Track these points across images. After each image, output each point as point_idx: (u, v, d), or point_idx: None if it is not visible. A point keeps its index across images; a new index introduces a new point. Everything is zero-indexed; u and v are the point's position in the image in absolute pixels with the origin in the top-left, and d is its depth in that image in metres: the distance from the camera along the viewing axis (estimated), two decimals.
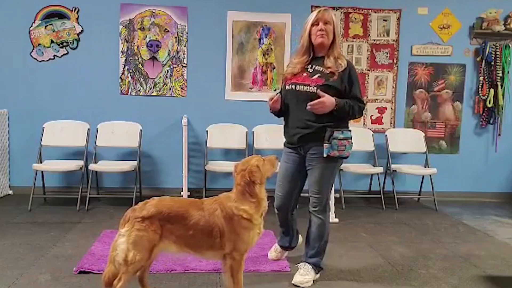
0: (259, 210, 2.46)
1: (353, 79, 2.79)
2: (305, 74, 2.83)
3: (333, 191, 4.31)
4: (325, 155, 2.73)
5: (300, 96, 2.79)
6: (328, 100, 2.66)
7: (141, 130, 4.89)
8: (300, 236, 3.28)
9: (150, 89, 5.12)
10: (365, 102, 2.90)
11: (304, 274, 2.86)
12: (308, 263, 2.91)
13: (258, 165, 2.47)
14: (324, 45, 2.80)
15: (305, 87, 2.78)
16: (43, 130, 4.78)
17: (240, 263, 2.44)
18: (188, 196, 4.65)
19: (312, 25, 2.79)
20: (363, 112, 2.91)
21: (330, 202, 2.98)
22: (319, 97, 2.69)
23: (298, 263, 2.97)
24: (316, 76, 2.78)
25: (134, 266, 2.29)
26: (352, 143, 2.82)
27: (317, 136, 2.75)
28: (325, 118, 2.72)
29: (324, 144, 2.72)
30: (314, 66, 2.83)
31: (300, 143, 2.85)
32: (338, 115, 2.73)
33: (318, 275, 2.94)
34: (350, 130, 2.83)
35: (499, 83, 5.36)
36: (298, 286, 2.83)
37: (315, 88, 2.74)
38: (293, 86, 2.84)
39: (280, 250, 3.27)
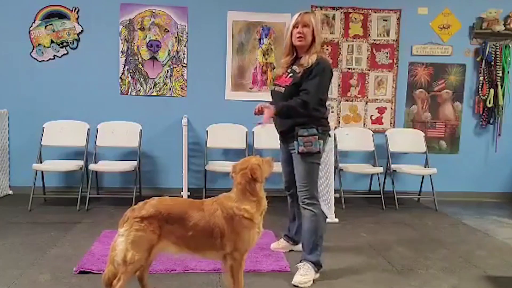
0: (259, 209, 2.47)
1: (314, 73, 2.84)
2: (284, 75, 3.01)
3: (333, 191, 4.33)
4: (296, 152, 2.91)
5: (276, 96, 3.05)
6: (267, 113, 2.80)
7: (141, 130, 4.89)
8: None
9: (150, 89, 5.12)
10: (310, 92, 2.84)
11: (304, 274, 2.88)
12: (307, 261, 2.93)
13: (258, 163, 2.50)
14: (303, 47, 2.93)
15: (278, 88, 3.02)
16: (43, 130, 4.78)
17: (241, 263, 2.44)
18: (188, 196, 4.65)
19: (294, 27, 2.96)
20: (308, 105, 2.83)
21: (317, 194, 3.03)
22: (286, 96, 2.90)
23: (298, 263, 2.98)
24: (289, 76, 2.96)
25: (133, 266, 2.29)
26: (319, 139, 2.88)
27: (289, 134, 2.94)
28: (291, 119, 2.89)
29: (294, 142, 2.90)
30: (293, 66, 2.99)
31: (281, 140, 3.13)
32: (284, 117, 2.89)
33: (318, 274, 2.95)
34: (316, 127, 2.88)
35: (499, 83, 5.36)
36: (298, 286, 2.84)
37: (283, 88, 2.95)
38: (273, 88, 3.10)
39: (282, 241, 3.40)
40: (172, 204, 2.42)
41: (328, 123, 3.05)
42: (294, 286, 2.84)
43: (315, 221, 2.94)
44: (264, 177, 2.54)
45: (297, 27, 2.92)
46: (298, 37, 2.91)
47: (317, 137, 2.87)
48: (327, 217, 3.58)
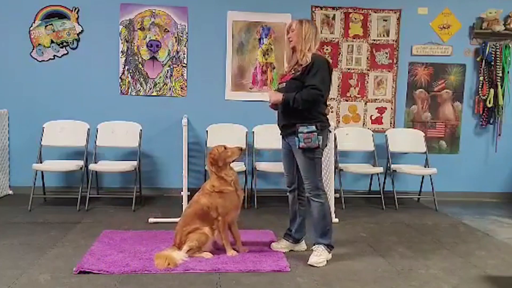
0: (227, 181, 3.25)
1: (313, 70, 3.05)
2: (288, 74, 3.24)
3: (333, 191, 4.32)
4: (297, 147, 3.09)
5: (280, 93, 3.21)
6: (272, 94, 3.19)
7: (141, 130, 4.89)
8: (304, 242, 3.47)
9: (150, 89, 5.12)
10: (318, 87, 3.04)
11: (318, 254, 3.16)
12: (320, 243, 3.19)
13: (214, 153, 3.28)
14: (295, 47, 3.17)
15: (281, 85, 3.24)
16: (43, 130, 4.78)
17: (223, 224, 3.23)
18: (188, 196, 4.64)
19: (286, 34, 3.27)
20: (316, 94, 3.03)
21: (322, 185, 3.21)
22: (287, 89, 3.12)
23: (312, 246, 3.24)
24: (291, 73, 3.19)
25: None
26: (318, 135, 3.05)
27: (290, 130, 3.15)
28: (292, 116, 3.10)
29: (295, 138, 3.09)
30: (295, 66, 3.21)
31: (282, 134, 3.30)
32: (292, 108, 3.06)
33: (330, 255, 3.23)
34: (315, 124, 3.06)
35: (499, 83, 5.36)
36: (314, 266, 3.11)
37: (285, 83, 3.19)
38: (278, 86, 3.31)
39: (283, 240, 3.46)
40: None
41: (327, 119, 3.21)
42: (310, 265, 3.11)
43: (323, 210, 3.17)
44: (226, 161, 3.27)
45: (288, 33, 3.22)
46: (289, 41, 3.21)
47: (316, 133, 3.05)
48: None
